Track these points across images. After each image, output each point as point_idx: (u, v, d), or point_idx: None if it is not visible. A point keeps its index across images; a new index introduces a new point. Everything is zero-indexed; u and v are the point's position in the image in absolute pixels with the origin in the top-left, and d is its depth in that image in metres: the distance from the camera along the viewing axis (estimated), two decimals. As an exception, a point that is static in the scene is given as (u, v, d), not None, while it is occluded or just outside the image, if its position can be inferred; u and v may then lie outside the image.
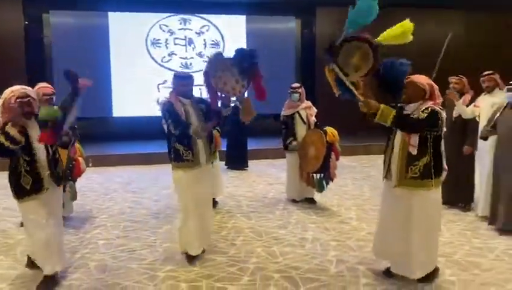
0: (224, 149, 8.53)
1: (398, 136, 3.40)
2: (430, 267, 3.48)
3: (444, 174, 3.47)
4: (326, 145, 5.48)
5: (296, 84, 6.31)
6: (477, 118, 5.24)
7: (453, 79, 5.68)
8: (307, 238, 4.61)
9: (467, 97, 5.51)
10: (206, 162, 4.06)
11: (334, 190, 6.50)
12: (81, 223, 5.13)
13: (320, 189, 5.69)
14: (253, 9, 12.53)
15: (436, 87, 3.36)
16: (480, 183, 5.34)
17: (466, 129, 5.40)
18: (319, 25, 12.81)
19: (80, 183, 5.58)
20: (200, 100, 4.17)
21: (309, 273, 3.72)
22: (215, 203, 5.74)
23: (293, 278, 3.66)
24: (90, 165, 5.42)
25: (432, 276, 3.51)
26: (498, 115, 4.67)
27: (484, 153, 5.11)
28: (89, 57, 11.64)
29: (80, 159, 4.90)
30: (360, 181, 7.49)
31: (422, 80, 3.36)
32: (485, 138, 4.85)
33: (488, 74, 5.31)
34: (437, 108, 3.28)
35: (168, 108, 3.92)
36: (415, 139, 3.29)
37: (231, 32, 12.80)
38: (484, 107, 5.12)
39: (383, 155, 3.59)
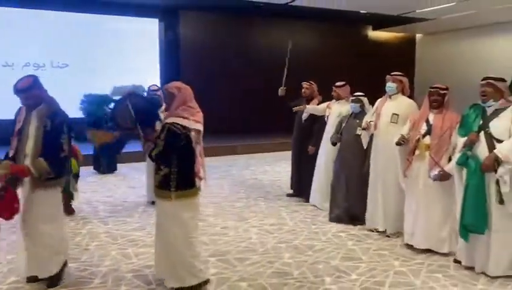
0: (92, 153, 8.41)
1: None
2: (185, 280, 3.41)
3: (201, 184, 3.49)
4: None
5: (155, 86, 6.38)
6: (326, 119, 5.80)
7: (304, 84, 6.31)
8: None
9: (315, 102, 6.13)
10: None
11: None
12: None
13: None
14: (116, 9, 12.17)
15: (184, 90, 3.32)
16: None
17: (312, 131, 6.02)
18: (183, 28, 12.99)
19: None
20: (52, 115, 3.46)
21: (162, 270, 3.86)
22: (71, 211, 5.56)
23: (146, 277, 3.77)
24: None
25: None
26: (344, 124, 5.23)
27: (323, 155, 5.70)
28: None
29: None
30: (220, 180, 7.79)
31: (171, 84, 3.40)
32: (334, 144, 5.34)
33: (337, 86, 5.78)
34: (172, 123, 3.24)
35: (16, 113, 3.64)
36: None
37: (93, 31, 12.27)
38: (332, 114, 5.66)
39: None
